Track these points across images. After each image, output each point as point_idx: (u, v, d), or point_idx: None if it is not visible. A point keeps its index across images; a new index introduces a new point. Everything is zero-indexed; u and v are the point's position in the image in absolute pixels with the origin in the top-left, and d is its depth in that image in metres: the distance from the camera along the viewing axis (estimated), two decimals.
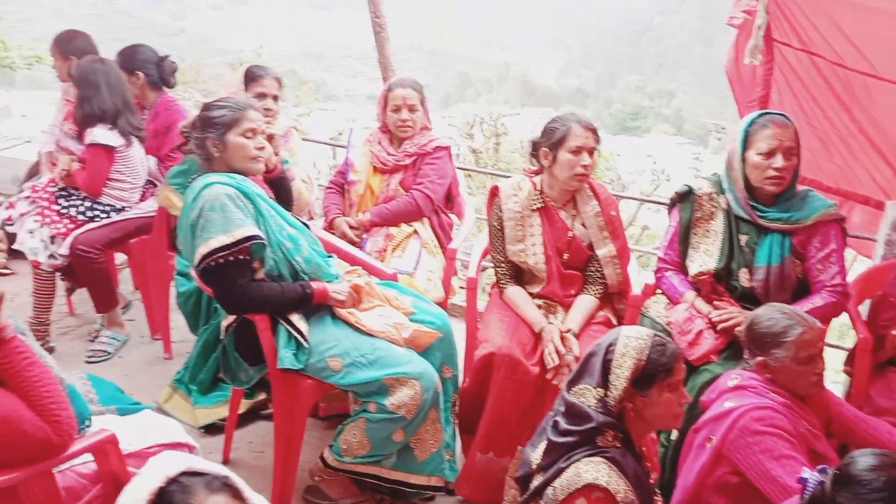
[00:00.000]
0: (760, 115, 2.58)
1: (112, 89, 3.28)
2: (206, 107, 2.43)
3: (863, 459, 1.59)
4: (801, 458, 1.98)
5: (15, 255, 3.34)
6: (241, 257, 2.26)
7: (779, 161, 2.50)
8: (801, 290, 2.60)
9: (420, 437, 2.46)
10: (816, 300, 2.53)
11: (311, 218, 3.54)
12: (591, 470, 1.74)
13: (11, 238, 3.26)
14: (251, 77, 3.22)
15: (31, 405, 1.53)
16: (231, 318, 2.40)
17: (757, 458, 2.01)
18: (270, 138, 2.57)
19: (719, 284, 2.65)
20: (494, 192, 2.86)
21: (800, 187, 2.64)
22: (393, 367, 2.33)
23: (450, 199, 3.43)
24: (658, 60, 51.59)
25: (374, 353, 2.35)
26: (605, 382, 1.84)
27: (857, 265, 3.94)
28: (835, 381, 2.83)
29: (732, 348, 2.46)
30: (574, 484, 1.75)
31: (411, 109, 3.21)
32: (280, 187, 2.73)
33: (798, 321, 2.13)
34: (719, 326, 2.51)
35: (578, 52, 60.12)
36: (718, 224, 2.67)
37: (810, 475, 1.67)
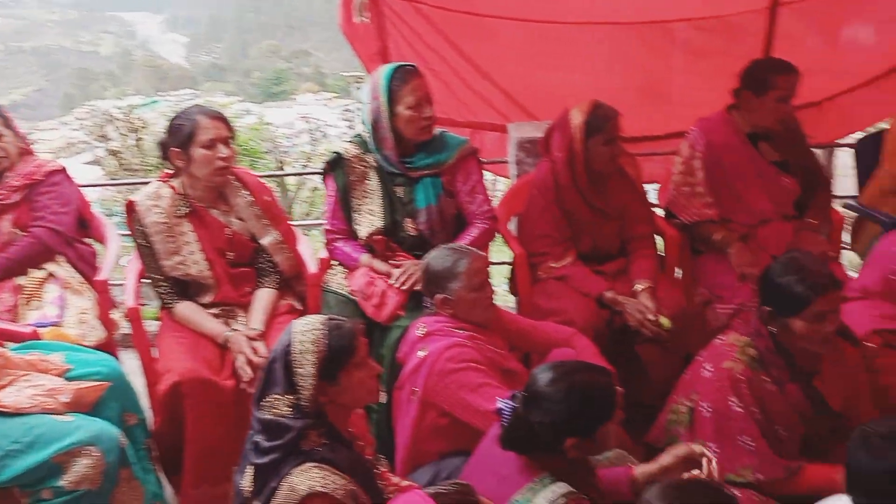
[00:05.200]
0: (395, 71, 2.63)
1: None
2: None
3: (542, 376, 1.74)
4: (495, 383, 2.13)
5: None
6: None
7: (428, 111, 2.63)
8: (461, 227, 2.78)
9: (119, 502, 2.16)
10: (473, 231, 2.74)
11: None
12: (304, 479, 1.66)
13: None
14: None
15: None
16: None
17: (457, 395, 2.12)
18: None
19: (391, 240, 2.71)
20: (131, 208, 2.58)
21: (435, 130, 2.77)
22: (59, 442, 2.01)
23: (84, 225, 3.02)
24: (287, 22, 51.65)
25: (31, 434, 2.01)
26: (292, 387, 1.75)
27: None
28: (506, 304, 3.05)
29: (416, 298, 2.54)
30: (291, 500, 1.65)
31: None
32: None
33: (464, 253, 2.28)
34: (404, 288, 2.56)
35: (204, 28, 57.68)
36: (373, 183, 2.74)
37: (503, 404, 1.78)
